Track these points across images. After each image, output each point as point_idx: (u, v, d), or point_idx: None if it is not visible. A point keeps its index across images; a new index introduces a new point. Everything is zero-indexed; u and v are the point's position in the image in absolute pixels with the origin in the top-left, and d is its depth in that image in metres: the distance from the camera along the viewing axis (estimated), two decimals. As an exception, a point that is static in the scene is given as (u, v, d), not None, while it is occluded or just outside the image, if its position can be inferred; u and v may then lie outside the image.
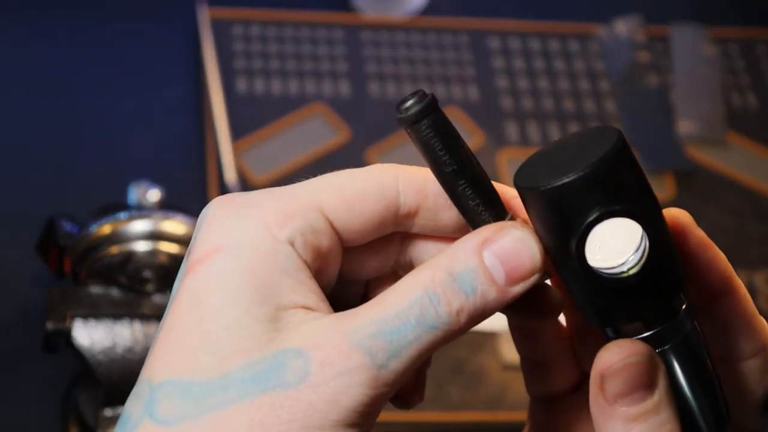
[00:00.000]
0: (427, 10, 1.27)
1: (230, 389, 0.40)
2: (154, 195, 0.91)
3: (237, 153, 1.10)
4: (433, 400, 0.98)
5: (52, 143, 1.11)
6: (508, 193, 0.44)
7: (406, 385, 0.46)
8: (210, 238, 0.42)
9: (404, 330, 0.40)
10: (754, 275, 1.10)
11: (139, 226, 0.87)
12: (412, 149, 0.42)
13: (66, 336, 0.84)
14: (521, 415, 0.52)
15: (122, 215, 0.87)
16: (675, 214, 0.43)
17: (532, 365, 0.48)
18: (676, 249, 0.42)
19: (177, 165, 1.11)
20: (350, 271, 0.45)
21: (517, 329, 0.47)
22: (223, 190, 1.07)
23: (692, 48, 1.26)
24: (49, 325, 0.84)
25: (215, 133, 1.10)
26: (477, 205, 0.42)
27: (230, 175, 1.07)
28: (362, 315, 0.40)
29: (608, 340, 0.42)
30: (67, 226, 0.89)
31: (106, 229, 0.87)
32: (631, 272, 0.40)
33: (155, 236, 0.87)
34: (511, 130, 1.18)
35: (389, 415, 0.95)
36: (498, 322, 0.46)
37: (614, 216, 0.39)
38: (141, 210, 0.88)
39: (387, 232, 0.45)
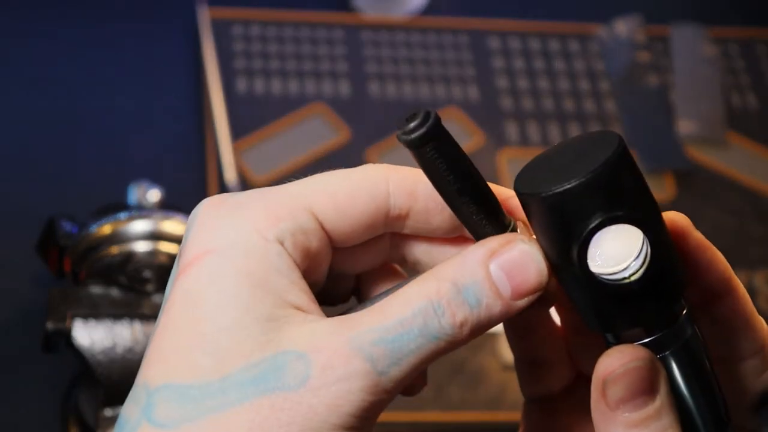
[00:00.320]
0: (427, 10, 1.27)
1: (229, 391, 0.39)
2: (154, 195, 0.91)
3: (237, 153, 1.10)
4: (433, 400, 0.98)
5: (52, 143, 1.11)
6: (504, 193, 0.44)
7: None
8: (201, 239, 0.42)
9: (406, 339, 0.40)
10: (754, 275, 1.10)
11: (139, 226, 0.87)
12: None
13: (66, 336, 0.84)
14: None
15: (122, 215, 0.87)
16: (673, 218, 0.43)
17: (526, 365, 0.48)
18: (677, 253, 0.42)
19: (177, 165, 1.11)
20: (341, 267, 0.45)
21: (511, 328, 0.47)
22: (223, 190, 1.06)
23: (692, 48, 1.26)
24: (49, 325, 0.84)
25: (215, 133, 1.10)
26: (481, 219, 0.42)
27: (230, 175, 1.07)
28: (364, 321, 0.40)
29: (608, 345, 0.42)
30: (67, 226, 0.89)
31: (106, 229, 0.87)
32: (633, 278, 0.40)
33: (155, 236, 0.87)
34: (511, 130, 1.18)
35: (389, 415, 0.95)
36: (498, 322, 0.45)
37: (616, 222, 0.39)
38: (141, 210, 0.88)
39: (378, 233, 0.44)
